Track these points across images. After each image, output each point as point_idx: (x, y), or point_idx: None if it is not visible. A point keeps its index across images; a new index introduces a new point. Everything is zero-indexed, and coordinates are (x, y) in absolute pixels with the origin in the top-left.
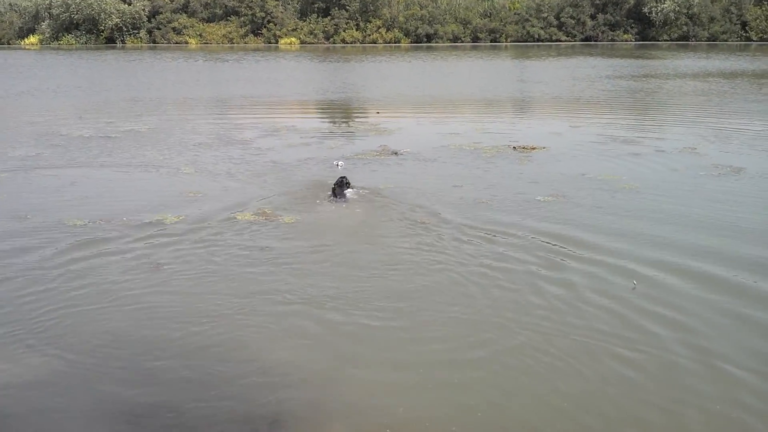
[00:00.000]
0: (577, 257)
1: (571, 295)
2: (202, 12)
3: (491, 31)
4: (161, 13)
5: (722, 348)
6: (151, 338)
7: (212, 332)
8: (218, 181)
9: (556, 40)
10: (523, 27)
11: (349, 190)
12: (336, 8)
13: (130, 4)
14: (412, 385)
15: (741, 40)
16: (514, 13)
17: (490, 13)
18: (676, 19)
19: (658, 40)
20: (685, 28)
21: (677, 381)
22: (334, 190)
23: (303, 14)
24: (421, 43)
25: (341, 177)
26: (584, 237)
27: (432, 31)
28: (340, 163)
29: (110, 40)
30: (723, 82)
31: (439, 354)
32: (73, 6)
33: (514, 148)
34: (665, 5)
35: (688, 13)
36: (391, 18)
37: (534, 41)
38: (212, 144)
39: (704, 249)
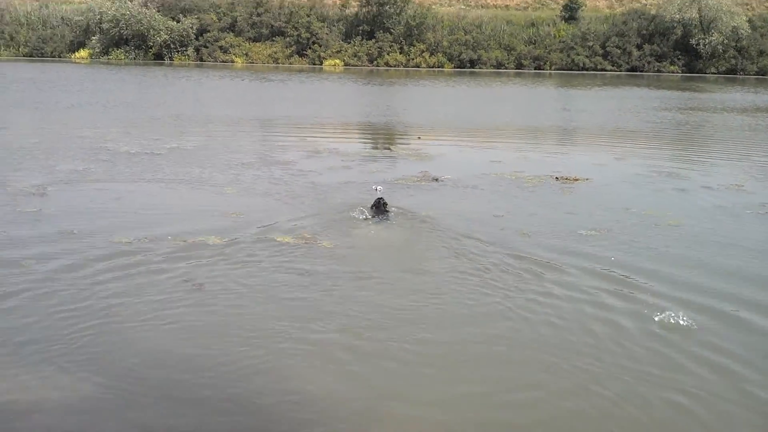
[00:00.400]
0: (623, 295)
1: (620, 335)
2: (248, 31)
3: (535, 58)
4: (209, 31)
5: None
6: (186, 363)
7: (249, 358)
8: (260, 202)
9: (601, 69)
10: (568, 55)
11: (389, 210)
12: (380, 31)
13: (178, 22)
14: (455, 426)
15: None
16: (559, 41)
17: (535, 40)
18: (724, 51)
19: (706, 73)
20: (733, 61)
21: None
22: (374, 209)
23: (348, 36)
24: (464, 68)
25: (379, 198)
26: (629, 274)
27: (476, 57)
28: (378, 187)
29: (158, 57)
30: None
31: (484, 394)
32: (123, 22)
33: (557, 178)
34: (713, 38)
35: (736, 46)
36: (435, 42)
37: (579, 69)
38: (255, 164)
39: (752, 290)
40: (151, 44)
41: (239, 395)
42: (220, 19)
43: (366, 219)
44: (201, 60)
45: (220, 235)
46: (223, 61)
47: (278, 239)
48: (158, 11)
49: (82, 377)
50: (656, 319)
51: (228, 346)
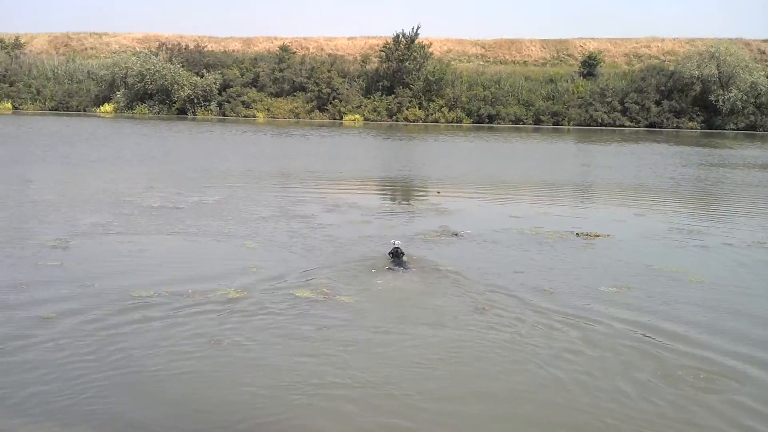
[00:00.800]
0: (648, 353)
1: (646, 392)
2: (270, 87)
3: (554, 114)
4: (231, 86)
5: None
6: (199, 417)
7: (264, 415)
8: (279, 255)
9: (620, 125)
10: (587, 111)
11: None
12: (400, 87)
13: (202, 77)
14: None
15: None
16: (578, 97)
17: (553, 96)
18: (744, 108)
19: (725, 129)
20: (752, 117)
21: None
22: (391, 256)
23: (368, 92)
24: (482, 123)
25: (396, 247)
26: (651, 332)
27: (494, 112)
28: (397, 242)
29: (182, 111)
30: None
31: None
32: (148, 76)
33: (577, 234)
34: (732, 94)
35: (755, 102)
36: (453, 98)
37: (597, 125)
38: (275, 218)
39: None
40: (175, 99)
41: None
42: (242, 75)
43: (386, 269)
44: (224, 115)
45: (240, 289)
46: (245, 116)
47: (297, 294)
48: (182, 66)
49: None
50: (680, 375)
51: (243, 401)
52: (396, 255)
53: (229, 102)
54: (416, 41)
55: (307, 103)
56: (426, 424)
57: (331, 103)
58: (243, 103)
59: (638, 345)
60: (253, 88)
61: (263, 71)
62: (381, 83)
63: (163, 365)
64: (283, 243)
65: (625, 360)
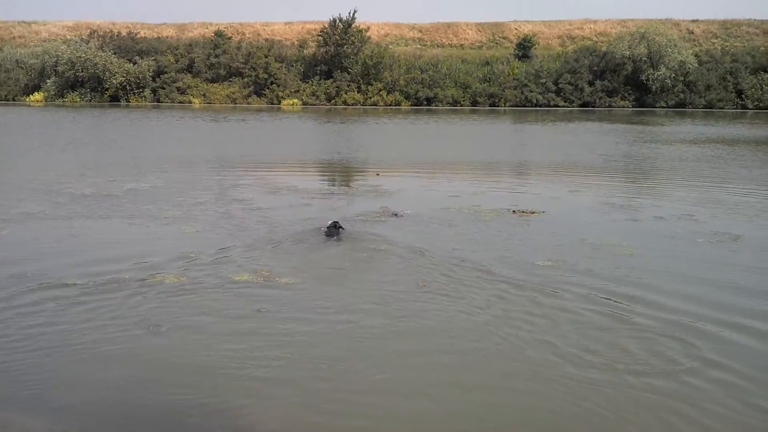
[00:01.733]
0: (581, 317)
1: (584, 353)
2: (206, 73)
3: (490, 96)
4: (166, 72)
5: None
6: (134, 402)
7: (201, 396)
8: (218, 240)
9: (554, 106)
10: (522, 92)
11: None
12: (338, 71)
13: (135, 64)
14: None
15: (737, 108)
16: (513, 79)
17: (490, 78)
18: (673, 86)
19: (655, 107)
20: (681, 96)
21: None
22: (327, 230)
23: (306, 76)
24: (421, 105)
25: (334, 221)
26: (585, 300)
27: (432, 95)
28: (336, 222)
29: (114, 99)
30: (720, 149)
31: (464, 414)
32: (79, 64)
33: (514, 212)
34: (661, 72)
35: (684, 80)
36: (392, 81)
37: (532, 106)
38: (213, 202)
39: (711, 313)
40: (107, 86)
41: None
42: (177, 61)
43: (325, 241)
44: (158, 101)
45: (177, 273)
46: (180, 102)
47: (236, 278)
48: (114, 54)
49: (22, 415)
50: (609, 332)
51: (183, 385)
52: (333, 227)
53: (164, 88)
54: (353, 25)
55: (244, 88)
56: (368, 399)
57: (268, 88)
58: (178, 89)
59: (572, 310)
60: (188, 74)
61: (198, 57)
62: (319, 68)
63: (99, 349)
64: (222, 227)
65: (559, 325)
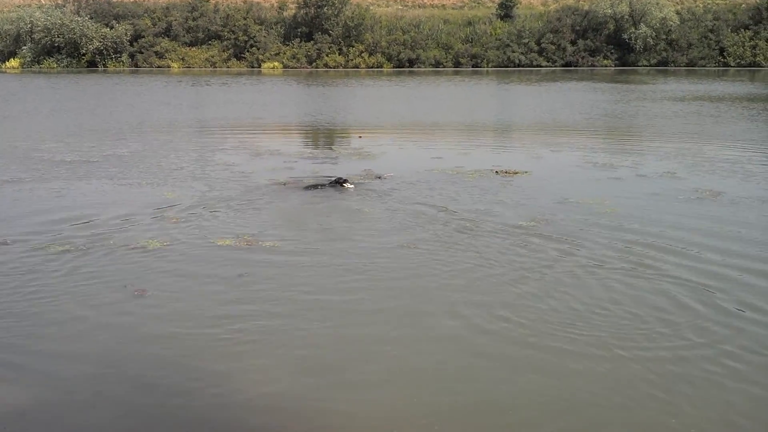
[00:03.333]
0: (559, 280)
1: (555, 301)
2: (184, 36)
3: (473, 57)
4: (143, 36)
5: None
6: (121, 366)
7: (188, 366)
8: (200, 206)
9: (537, 66)
10: (504, 52)
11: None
12: (319, 33)
13: (111, 28)
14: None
15: (719, 66)
16: (496, 39)
17: (472, 39)
18: (655, 44)
19: (638, 66)
20: (664, 54)
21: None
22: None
23: (286, 38)
24: (403, 67)
25: (339, 177)
26: (567, 254)
27: (414, 56)
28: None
29: (92, 64)
30: (702, 107)
31: (431, 368)
32: (55, 30)
33: (497, 172)
34: (642, 30)
35: (666, 39)
36: (373, 43)
37: (515, 66)
38: (195, 168)
39: (691, 267)
40: (84, 52)
41: (181, 402)
42: (154, 24)
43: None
44: (136, 66)
45: (161, 239)
46: (159, 67)
47: (219, 242)
48: (91, 18)
49: (10, 382)
50: (595, 294)
51: (167, 353)
52: (337, 182)
53: (142, 53)
54: None
55: (224, 51)
56: (355, 363)
57: (248, 51)
58: (156, 53)
59: (554, 267)
60: (166, 38)
61: (176, 20)
62: (299, 30)
63: (82, 315)
64: (204, 192)
65: (545, 278)
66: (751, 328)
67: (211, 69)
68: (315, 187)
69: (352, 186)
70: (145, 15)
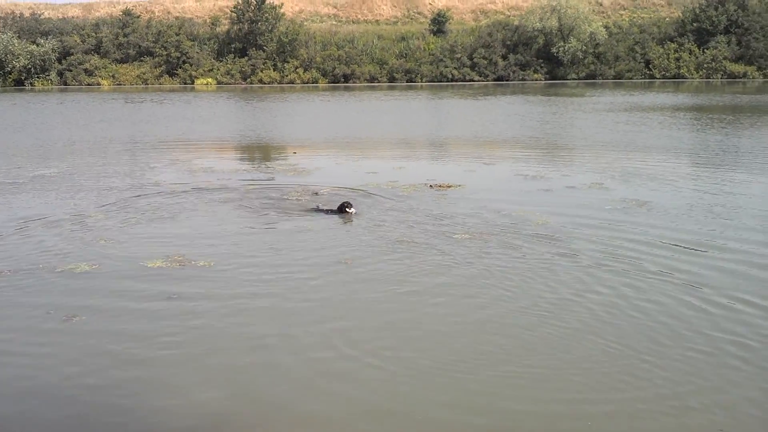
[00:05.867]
0: (491, 296)
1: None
2: (115, 53)
3: (407, 72)
4: (72, 54)
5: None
6: (48, 391)
7: (117, 394)
8: (129, 227)
9: (470, 80)
10: (437, 67)
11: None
12: (253, 49)
13: (38, 45)
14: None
15: (645, 78)
16: (429, 54)
17: (406, 54)
18: (584, 58)
19: (567, 79)
20: (592, 67)
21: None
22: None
23: (220, 54)
24: (338, 83)
25: (346, 202)
26: (500, 277)
27: (349, 71)
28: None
29: (18, 83)
30: (628, 118)
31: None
32: None
33: (431, 186)
34: (571, 44)
35: (594, 52)
36: (308, 59)
37: (448, 81)
38: (125, 188)
39: (622, 276)
40: (10, 69)
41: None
42: (84, 41)
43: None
44: (65, 84)
45: (90, 262)
46: (88, 84)
47: (149, 264)
48: (17, 35)
49: None
50: (518, 312)
51: (95, 383)
52: (342, 209)
53: (71, 70)
54: (267, 2)
55: (156, 68)
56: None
57: (181, 68)
58: (86, 71)
59: (489, 278)
60: (96, 55)
61: (106, 37)
62: (233, 45)
63: (11, 342)
64: (135, 212)
65: (473, 294)
66: (662, 330)
67: (143, 86)
68: (318, 210)
69: (354, 210)
70: (74, 32)
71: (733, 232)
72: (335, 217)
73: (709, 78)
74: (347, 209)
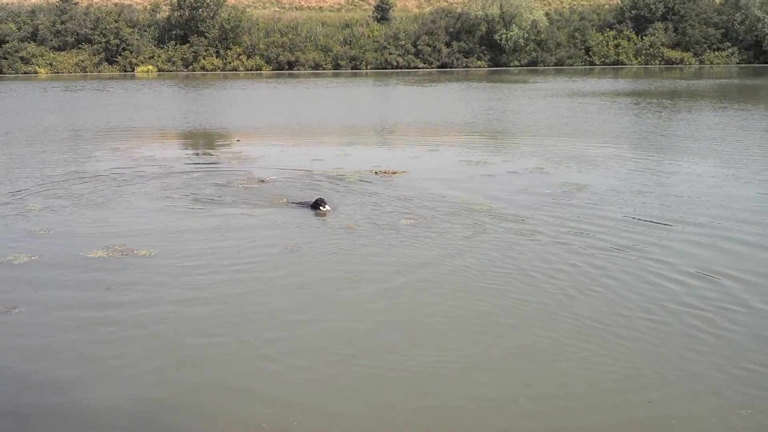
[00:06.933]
0: (435, 275)
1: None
2: (52, 40)
3: (352, 59)
4: (7, 41)
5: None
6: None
7: (50, 384)
8: (70, 217)
9: (414, 67)
10: (382, 54)
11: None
12: (195, 35)
13: None
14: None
15: (585, 65)
16: (373, 41)
17: (350, 41)
18: (526, 45)
19: (509, 66)
20: (534, 54)
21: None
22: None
23: (160, 42)
24: (283, 70)
25: (320, 198)
26: (447, 261)
27: (293, 59)
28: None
29: None
30: (570, 104)
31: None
32: None
33: (376, 173)
34: (513, 32)
35: (536, 39)
36: (251, 45)
37: (393, 68)
38: (65, 178)
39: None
40: None
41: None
42: (19, 29)
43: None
44: (1, 72)
45: (29, 254)
46: (25, 73)
47: (90, 254)
48: None
49: None
50: (475, 302)
51: (31, 371)
52: (317, 204)
53: (6, 59)
54: None
55: (94, 55)
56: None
57: (120, 55)
58: (22, 59)
59: (431, 264)
60: (33, 43)
61: (43, 24)
62: (174, 32)
63: None
64: (76, 202)
65: (423, 274)
66: (596, 303)
67: (81, 74)
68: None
69: (329, 208)
70: (9, 19)
71: (671, 212)
72: (277, 207)
73: (648, 64)
74: (321, 207)
